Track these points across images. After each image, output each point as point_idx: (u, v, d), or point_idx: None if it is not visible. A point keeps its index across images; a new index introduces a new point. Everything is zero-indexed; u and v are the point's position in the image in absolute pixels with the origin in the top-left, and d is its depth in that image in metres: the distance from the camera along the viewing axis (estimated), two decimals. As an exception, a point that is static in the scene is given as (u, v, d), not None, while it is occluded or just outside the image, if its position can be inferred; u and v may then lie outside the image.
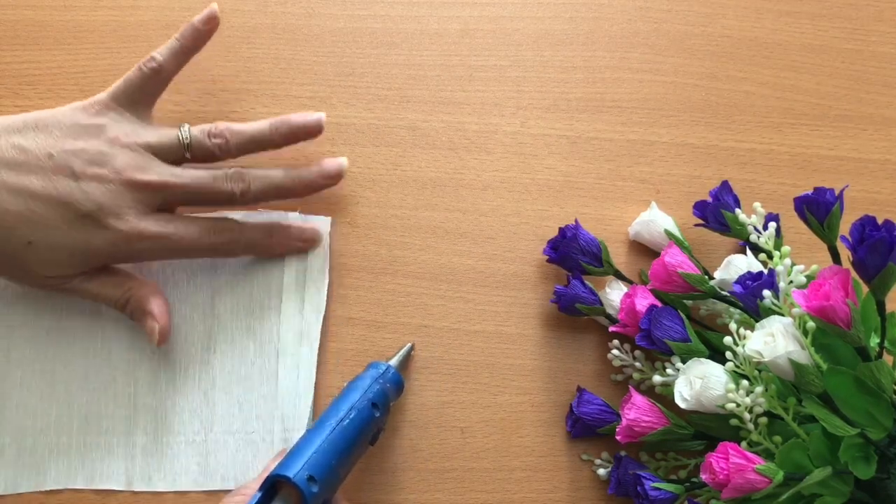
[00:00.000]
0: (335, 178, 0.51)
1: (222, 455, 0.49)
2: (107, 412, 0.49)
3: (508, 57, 0.58)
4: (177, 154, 0.47)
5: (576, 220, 0.52)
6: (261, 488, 0.41)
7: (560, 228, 0.52)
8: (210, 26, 0.50)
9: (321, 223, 0.52)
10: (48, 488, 0.48)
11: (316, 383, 0.50)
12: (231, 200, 0.48)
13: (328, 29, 0.57)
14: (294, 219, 0.52)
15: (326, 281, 0.52)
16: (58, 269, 0.45)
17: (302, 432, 0.49)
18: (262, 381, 0.50)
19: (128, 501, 0.48)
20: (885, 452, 0.42)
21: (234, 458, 0.48)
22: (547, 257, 0.53)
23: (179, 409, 0.49)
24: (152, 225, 0.45)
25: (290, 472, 0.41)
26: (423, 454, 0.50)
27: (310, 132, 0.50)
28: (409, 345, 0.51)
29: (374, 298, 0.52)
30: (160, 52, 0.48)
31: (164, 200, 0.47)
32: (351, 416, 0.44)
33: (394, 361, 0.49)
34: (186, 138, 0.48)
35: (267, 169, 0.49)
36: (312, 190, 0.51)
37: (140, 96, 0.48)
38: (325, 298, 0.51)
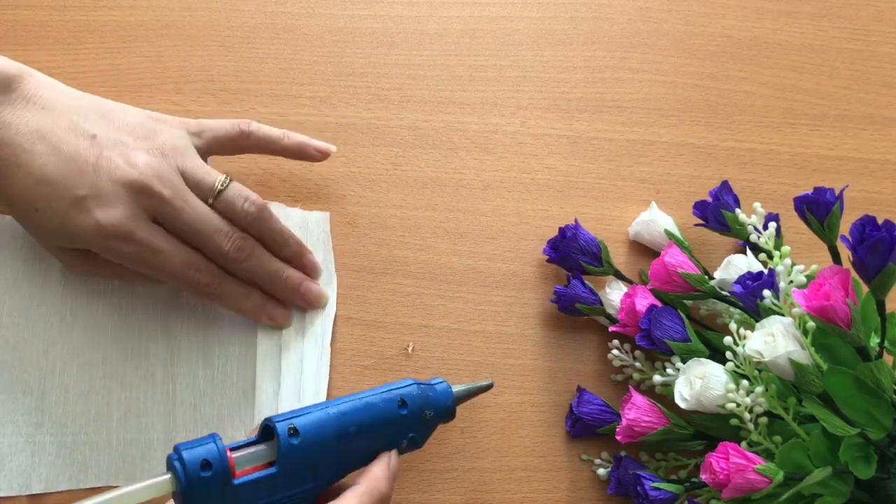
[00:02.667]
0: (311, 304, 0.50)
1: None
2: (145, 409, 0.49)
3: (508, 57, 0.58)
4: (203, 193, 0.47)
5: (576, 220, 0.52)
6: (258, 434, 0.42)
7: (560, 228, 0.52)
8: (318, 156, 0.51)
9: (320, 218, 0.52)
10: (89, 485, 0.47)
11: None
12: (220, 259, 0.47)
13: (328, 29, 0.57)
14: (295, 214, 0.52)
15: (334, 277, 0.52)
16: (46, 238, 0.46)
17: None
18: (291, 377, 0.50)
19: (166, 497, 0.48)
20: (885, 452, 0.42)
21: None
22: (547, 257, 0.53)
23: (218, 406, 0.49)
24: (143, 231, 0.45)
25: (276, 419, 0.41)
26: (423, 454, 0.50)
27: (307, 269, 0.51)
28: (487, 381, 0.48)
29: (374, 298, 0.52)
30: (259, 126, 0.50)
31: (164, 219, 0.46)
32: (367, 398, 0.43)
33: (457, 386, 0.47)
34: (222, 186, 0.47)
35: (269, 255, 0.49)
36: (287, 299, 0.50)
37: (213, 139, 0.49)
38: (335, 294, 0.51)
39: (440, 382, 0.46)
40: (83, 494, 0.47)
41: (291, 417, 0.41)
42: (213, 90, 0.55)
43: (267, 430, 0.41)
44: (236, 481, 0.39)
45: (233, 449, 0.40)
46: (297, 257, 0.50)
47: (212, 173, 0.47)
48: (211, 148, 0.49)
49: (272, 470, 0.40)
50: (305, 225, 0.52)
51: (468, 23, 0.58)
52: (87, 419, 0.48)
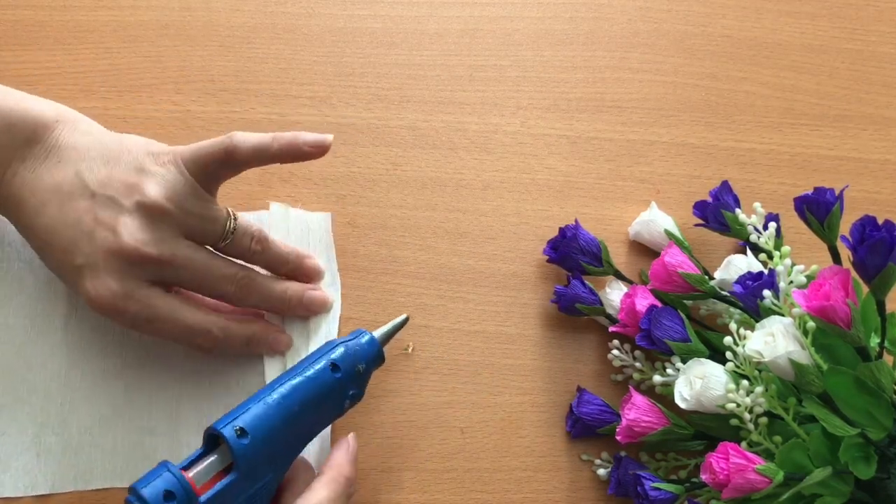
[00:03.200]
0: (315, 312, 0.50)
1: None
2: (150, 411, 0.49)
3: (508, 57, 0.58)
4: (210, 237, 0.46)
5: (576, 220, 0.52)
6: (202, 445, 0.41)
7: (560, 228, 0.52)
8: (314, 151, 0.47)
9: (322, 218, 0.52)
10: (94, 487, 0.47)
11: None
12: (224, 298, 0.47)
13: (328, 29, 0.57)
14: (296, 215, 0.52)
15: (338, 278, 0.52)
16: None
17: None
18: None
19: None
20: (885, 452, 0.42)
21: None
22: (547, 257, 0.53)
23: (224, 408, 0.49)
24: (133, 305, 0.44)
25: (220, 425, 0.41)
26: (423, 454, 0.50)
27: (309, 275, 0.51)
28: (402, 317, 0.49)
29: (374, 298, 0.52)
30: (243, 136, 0.46)
31: (162, 277, 0.45)
32: (303, 374, 0.43)
33: (377, 331, 0.47)
34: (232, 229, 0.46)
35: (271, 283, 0.48)
36: (292, 313, 0.50)
37: (207, 167, 0.46)
38: (339, 295, 0.51)
39: (361, 333, 0.46)
40: (89, 495, 0.47)
41: (234, 419, 0.41)
42: (213, 90, 0.55)
43: (212, 438, 0.41)
44: (202, 498, 0.39)
45: (186, 468, 0.40)
46: (297, 268, 0.50)
47: (217, 216, 0.46)
48: (210, 175, 0.46)
49: (232, 476, 0.40)
50: (307, 226, 0.52)
51: (468, 23, 0.58)
52: (93, 421, 0.48)
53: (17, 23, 0.54)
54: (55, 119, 0.45)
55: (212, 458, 0.41)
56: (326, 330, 0.50)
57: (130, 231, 0.43)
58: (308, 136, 0.47)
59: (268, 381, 0.49)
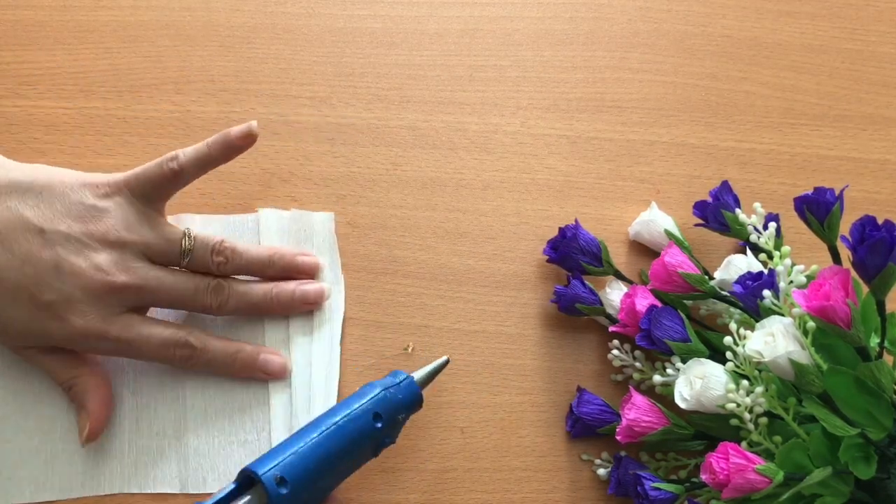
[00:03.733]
0: (316, 304, 0.50)
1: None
2: (157, 415, 0.48)
3: (508, 57, 0.58)
4: (172, 258, 0.46)
5: (576, 220, 0.52)
6: (235, 480, 0.41)
7: (560, 228, 0.52)
8: (245, 142, 0.47)
9: (325, 218, 0.52)
10: (102, 493, 0.47)
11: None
12: (206, 311, 0.48)
13: (328, 29, 0.57)
14: (298, 216, 0.52)
15: (341, 278, 0.52)
16: (13, 341, 0.45)
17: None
18: (301, 380, 0.50)
19: (180, 502, 0.48)
20: (885, 452, 0.42)
21: None
22: (547, 257, 0.53)
23: (230, 410, 0.49)
24: (114, 328, 0.44)
25: (260, 469, 0.40)
26: (423, 454, 0.50)
27: (304, 272, 0.50)
28: (443, 358, 0.48)
29: (374, 298, 0.52)
30: (185, 155, 0.46)
31: (137, 302, 0.45)
32: (342, 423, 0.43)
33: (417, 374, 0.47)
34: (189, 247, 0.46)
35: (249, 284, 0.48)
36: (290, 312, 0.50)
37: (153, 191, 0.46)
38: (342, 295, 0.51)
39: (404, 378, 0.46)
40: (97, 501, 0.47)
41: (274, 465, 0.41)
42: (213, 90, 0.55)
43: (247, 478, 0.41)
44: None
45: None
46: (288, 268, 0.50)
47: (173, 238, 0.46)
48: (155, 197, 0.47)
49: None
50: (310, 226, 0.52)
51: (468, 23, 0.58)
52: None
53: (17, 23, 0.54)
54: None
55: (245, 500, 0.41)
56: (330, 332, 0.50)
57: (101, 264, 0.44)
58: (235, 130, 0.47)
59: (271, 394, 0.49)
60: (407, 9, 0.58)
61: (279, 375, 0.49)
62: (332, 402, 0.49)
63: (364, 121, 0.55)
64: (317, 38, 0.57)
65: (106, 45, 0.55)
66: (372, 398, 0.44)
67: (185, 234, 0.47)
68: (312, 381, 0.49)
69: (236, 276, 0.49)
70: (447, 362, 0.48)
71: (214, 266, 0.47)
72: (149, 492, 0.47)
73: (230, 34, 0.56)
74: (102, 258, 0.44)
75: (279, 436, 0.48)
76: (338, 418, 0.43)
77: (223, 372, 0.49)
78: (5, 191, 0.44)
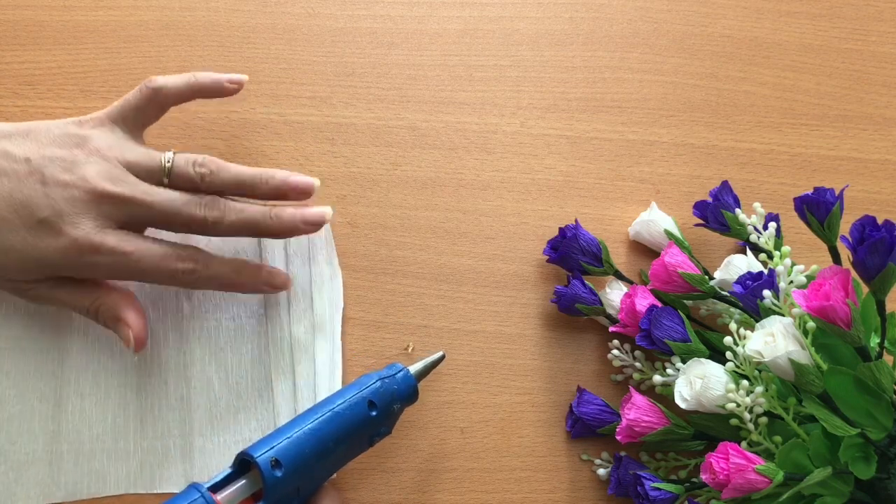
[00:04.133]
0: (316, 226, 0.49)
1: None
2: (161, 415, 0.49)
3: (508, 57, 0.58)
4: (156, 176, 0.46)
5: (576, 220, 0.52)
6: (231, 465, 0.41)
7: (560, 228, 0.52)
8: (233, 87, 0.49)
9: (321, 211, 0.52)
10: (109, 494, 0.47)
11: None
12: (202, 228, 0.46)
13: (328, 29, 0.57)
14: (293, 211, 0.52)
15: (339, 272, 0.52)
16: (17, 275, 0.45)
17: None
18: (305, 375, 0.50)
19: None
20: (885, 452, 0.42)
21: None
22: (547, 257, 0.53)
23: (234, 409, 0.49)
24: (110, 239, 0.44)
25: (256, 453, 0.41)
26: (423, 454, 0.50)
27: (300, 194, 0.49)
28: (439, 353, 0.49)
29: (374, 298, 0.52)
30: (165, 77, 0.48)
31: (130, 217, 0.45)
32: (338, 409, 0.43)
33: (413, 367, 0.47)
34: (168, 162, 0.46)
35: (246, 203, 0.48)
36: (290, 233, 0.48)
37: (134, 115, 0.47)
38: (340, 288, 0.51)
39: (399, 370, 0.46)
40: (103, 502, 0.47)
41: (270, 448, 0.41)
42: (213, 90, 0.55)
43: (243, 461, 0.41)
44: None
45: (215, 490, 0.40)
46: (281, 187, 0.48)
47: (154, 155, 0.47)
48: (137, 123, 0.48)
49: None
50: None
51: (468, 23, 0.58)
52: (104, 427, 0.48)
53: (17, 23, 0.54)
54: None
55: (241, 483, 0.41)
56: (331, 327, 0.50)
57: (85, 174, 0.44)
58: (230, 76, 0.49)
59: (275, 391, 0.49)
60: (407, 9, 0.58)
61: (283, 287, 0.49)
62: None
63: (364, 121, 0.55)
64: (317, 38, 0.57)
65: (106, 45, 0.55)
66: (368, 387, 0.44)
67: (163, 153, 0.47)
68: (316, 378, 0.49)
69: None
70: (443, 357, 0.49)
71: (198, 177, 0.47)
72: (155, 492, 0.48)
73: (230, 34, 0.56)
74: (89, 170, 0.44)
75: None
76: (333, 405, 0.43)
77: (227, 287, 0.48)
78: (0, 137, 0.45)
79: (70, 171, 0.44)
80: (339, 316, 0.51)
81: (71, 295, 0.46)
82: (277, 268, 0.49)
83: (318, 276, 0.51)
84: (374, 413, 0.44)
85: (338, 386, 0.49)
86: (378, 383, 0.45)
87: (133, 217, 0.45)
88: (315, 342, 0.50)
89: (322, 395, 0.49)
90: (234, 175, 0.47)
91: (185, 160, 0.47)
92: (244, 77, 0.50)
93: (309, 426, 0.42)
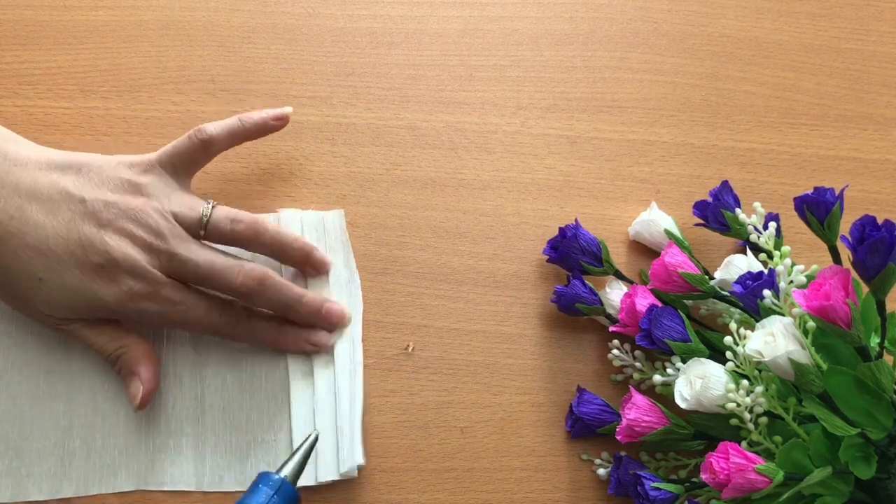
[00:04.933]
0: (337, 324, 0.50)
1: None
2: (174, 413, 0.49)
3: (508, 57, 0.58)
4: (194, 229, 0.47)
5: (576, 220, 0.52)
6: None
7: (560, 228, 0.52)
8: (278, 124, 0.50)
9: (336, 216, 0.52)
10: (119, 490, 0.47)
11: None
12: (232, 292, 0.47)
13: (328, 29, 0.57)
14: (309, 216, 0.52)
15: (356, 274, 0.52)
16: (61, 312, 0.45)
17: (353, 428, 0.48)
18: (323, 377, 0.50)
19: (197, 500, 0.48)
20: (885, 452, 0.42)
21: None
22: (547, 257, 0.53)
23: (248, 409, 0.49)
24: (164, 290, 0.45)
25: None
26: (423, 454, 0.50)
27: (317, 267, 0.50)
28: (310, 439, 0.45)
29: (374, 298, 0.52)
30: (215, 127, 0.48)
31: (174, 271, 0.46)
32: None
33: (287, 471, 0.43)
34: (207, 212, 0.47)
35: (288, 284, 0.48)
36: (316, 324, 0.49)
37: (183, 163, 0.48)
38: (359, 291, 0.51)
39: (280, 483, 0.42)
40: (113, 498, 0.47)
41: None
42: (213, 90, 0.55)
43: None
44: None
45: None
46: (305, 259, 0.50)
47: (196, 205, 0.47)
48: (187, 170, 0.49)
49: None
50: (322, 225, 0.52)
51: (468, 23, 0.58)
52: (117, 423, 0.48)
53: (17, 23, 0.54)
54: None
55: None
56: (351, 329, 0.50)
57: (150, 225, 0.45)
58: (271, 111, 0.51)
59: (293, 393, 0.49)
60: (407, 9, 0.58)
61: (327, 344, 0.49)
62: (358, 400, 0.49)
63: (364, 121, 0.55)
64: (317, 38, 0.57)
65: (106, 45, 0.55)
66: None
67: (205, 201, 0.48)
68: (337, 379, 0.49)
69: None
70: (316, 440, 0.45)
71: (233, 235, 0.48)
72: (165, 490, 0.48)
73: (230, 34, 0.56)
74: (144, 221, 0.45)
75: (300, 436, 0.48)
76: None
77: (269, 342, 0.49)
78: (46, 167, 0.45)
79: (125, 219, 0.45)
80: (359, 318, 0.51)
81: (99, 337, 0.47)
82: (320, 330, 0.50)
83: (336, 278, 0.51)
84: None
85: (359, 389, 0.49)
86: None
87: (176, 274, 0.46)
88: (335, 350, 0.50)
89: (343, 397, 0.49)
90: (271, 240, 0.48)
91: (223, 214, 0.47)
92: (288, 110, 0.51)
93: None
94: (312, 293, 0.50)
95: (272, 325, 0.49)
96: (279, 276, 0.48)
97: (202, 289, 0.47)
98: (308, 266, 0.50)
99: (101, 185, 0.45)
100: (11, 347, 0.49)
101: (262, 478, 0.42)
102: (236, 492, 0.48)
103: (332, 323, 0.50)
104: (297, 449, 0.44)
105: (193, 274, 0.46)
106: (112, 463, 0.48)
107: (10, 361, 0.48)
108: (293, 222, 0.52)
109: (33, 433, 0.48)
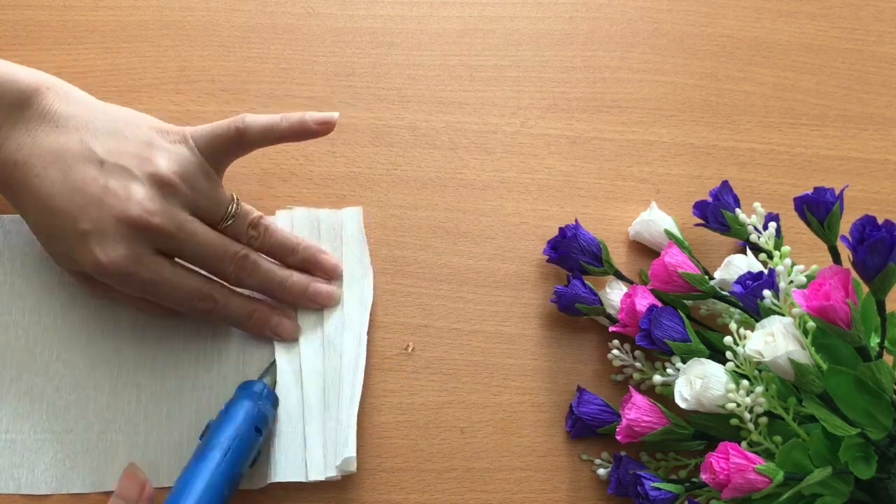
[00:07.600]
0: (322, 304, 0.50)
1: (299, 448, 0.48)
2: (181, 408, 0.49)
3: (508, 57, 0.58)
4: (213, 218, 0.47)
5: (576, 220, 0.52)
6: None
7: (560, 228, 0.52)
8: (321, 129, 0.48)
9: (354, 213, 0.52)
10: (161, 485, 0.47)
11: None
12: (223, 277, 0.48)
13: (328, 29, 0.57)
14: (326, 215, 0.52)
15: (370, 270, 0.52)
16: (62, 265, 0.47)
17: (350, 426, 0.48)
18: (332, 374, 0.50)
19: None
20: (885, 452, 0.42)
21: (319, 449, 0.48)
22: (547, 257, 0.53)
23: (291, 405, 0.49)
24: (143, 271, 0.45)
25: None
26: (423, 454, 0.50)
27: (323, 269, 0.51)
28: (274, 359, 0.50)
29: (374, 298, 0.52)
30: (254, 119, 0.47)
31: (165, 246, 0.46)
32: (236, 445, 0.44)
33: (269, 379, 0.48)
34: (233, 213, 0.48)
35: (271, 266, 0.49)
36: (296, 303, 0.50)
37: (216, 148, 0.47)
38: (371, 286, 0.51)
39: (263, 388, 0.47)
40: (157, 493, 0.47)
41: (185, 499, 0.42)
42: (213, 90, 0.55)
43: None
44: None
45: None
46: (309, 261, 0.50)
47: (222, 200, 0.47)
48: (220, 155, 0.47)
49: None
50: (340, 223, 0.52)
51: (468, 23, 0.58)
52: (160, 418, 0.49)
53: (17, 23, 0.54)
54: (45, 86, 0.45)
55: None
56: (360, 322, 0.50)
57: (141, 200, 0.44)
58: (314, 114, 0.48)
59: (306, 387, 0.49)
60: (407, 9, 0.58)
61: (288, 338, 0.50)
62: (358, 392, 0.49)
63: (364, 121, 0.55)
64: (317, 38, 0.57)
65: (106, 45, 0.55)
66: (251, 416, 0.45)
67: (233, 198, 0.48)
68: (342, 371, 0.49)
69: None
70: (273, 361, 0.49)
71: (247, 238, 0.48)
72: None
73: (230, 34, 0.56)
74: (147, 196, 0.44)
75: (308, 428, 0.48)
76: (230, 442, 0.44)
77: (237, 326, 0.50)
78: (83, 127, 0.45)
79: (127, 189, 0.44)
80: (367, 314, 0.51)
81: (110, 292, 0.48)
82: (289, 317, 0.50)
83: (350, 273, 0.51)
84: (260, 438, 0.45)
85: (359, 386, 0.49)
86: (257, 408, 0.45)
87: (167, 248, 0.46)
88: (343, 339, 0.50)
89: (345, 389, 0.49)
90: (275, 242, 0.49)
91: (244, 218, 0.48)
92: (335, 115, 0.48)
93: (219, 470, 0.43)
94: (299, 275, 0.50)
95: (243, 313, 0.49)
96: (265, 261, 0.49)
97: (184, 267, 0.47)
98: (314, 268, 0.50)
99: (125, 150, 0.45)
100: (56, 341, 0.49)
101: (243, 386, 0.47)
102: (278, 483, 0.48)
103: (319, 303, 0.50)
104: (271, 362, 0.49)
105: (188, 255, 0.46)
106: (154, 458, 0.48)
107: (56, 354, 0.49)
108: (304, 220, 0.52)
109: (77, 426, 0.48)
